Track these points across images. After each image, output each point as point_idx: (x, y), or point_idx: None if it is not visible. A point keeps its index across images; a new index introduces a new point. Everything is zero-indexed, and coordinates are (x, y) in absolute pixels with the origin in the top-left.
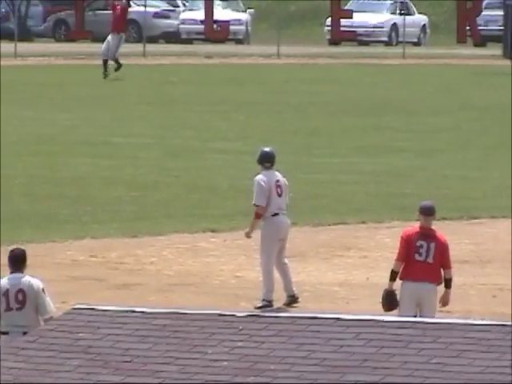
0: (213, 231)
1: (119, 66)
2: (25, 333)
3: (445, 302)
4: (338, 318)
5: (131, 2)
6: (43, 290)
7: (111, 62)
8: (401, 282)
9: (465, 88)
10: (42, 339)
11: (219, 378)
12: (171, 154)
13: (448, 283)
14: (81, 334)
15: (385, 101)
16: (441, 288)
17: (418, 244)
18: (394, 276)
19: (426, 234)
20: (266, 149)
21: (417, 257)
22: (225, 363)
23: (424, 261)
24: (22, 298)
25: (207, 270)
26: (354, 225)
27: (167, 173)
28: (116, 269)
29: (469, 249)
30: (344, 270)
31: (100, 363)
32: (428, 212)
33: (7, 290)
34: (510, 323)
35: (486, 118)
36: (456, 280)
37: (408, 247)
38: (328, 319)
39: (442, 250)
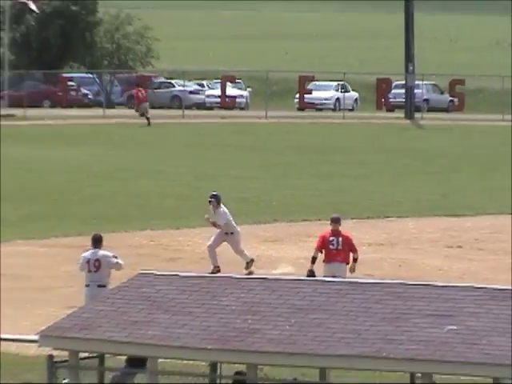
0: None
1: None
2: (99, 286)
3: (351, 269)
4: (299, 279)
5: (174, 82)
6: (114, 256)
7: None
8: (323, 263)
9: (381, 137)
10: (120, 292)
11: (230, 316)
12: (200, 177)
13: (355, 260)
14: (144, 289)
15: (332, 145)
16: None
17: (330, 239)
18: (313, 260)
19: (336, 233)
20: (215, 192)
21: (331, 247)
22: (233, 307)
23: (335, 249)
24: (98, 264)
25: (220, 250)
26: (311, 221)
27: (197, 190)
28: (166, 249)
29: (383, 236)
30: (298, 251)
31: (155, 307)
32: (335, 221)
33: (89, 260)
34: (399, 281)
35: (394, 156)
36: (375, 256)
37: (324, 242)
38: (289, 280)
39: (347, 241)
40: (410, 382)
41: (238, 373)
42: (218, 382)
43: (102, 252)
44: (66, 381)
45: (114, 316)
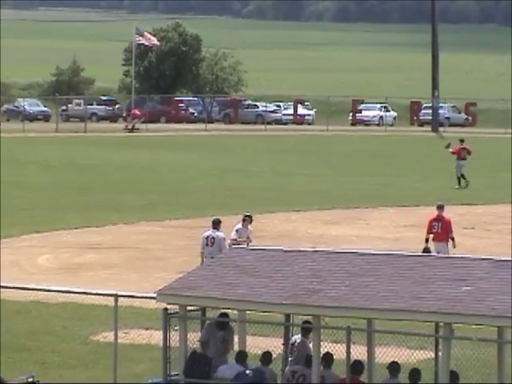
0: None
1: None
2: (212, 257)
3: (453, 245)
4: (350, 252)
5: (258, 104)
6: (224, 238)
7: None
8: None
9: (413, 146)
10: (217, 262)
11: (299, 279)
12: (278, 174)
13: (452, 239)
14: (235, 259)
15: (376, 151)
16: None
17: (433, 224)
18: (426, 240)
19: (439, 218)
20: (248, 213)
21: (433, 230)
22: (302, 273)
23: (437, 231)
24: (213, 241)
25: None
26: (361, 208)
27: (275, 184)
28: (253, 229)
29: (415, 220)
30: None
31: (244, 272)
32: (440, 207)
33: (207, 236)
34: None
35: (423, 160)
36: (410, 234)
37: (429, 226)
38: (343, 253)
39: (446, 225)
40: (435, 330)
41: (305, 322)
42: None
43: (217, 233)
44: (177, 328)
45: (213, 279)
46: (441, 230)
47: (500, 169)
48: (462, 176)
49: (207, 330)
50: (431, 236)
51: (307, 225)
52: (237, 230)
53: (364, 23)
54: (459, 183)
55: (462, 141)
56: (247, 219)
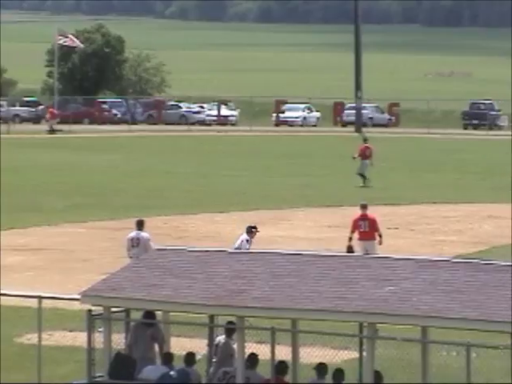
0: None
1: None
2: (137, 257)
3: (379, 242)
4: (274, 253)
5: (181, 105)
6: (149, 239)
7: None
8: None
9: (336, 146)
10: (141, 263)
11: (223, 280)
12: (201, 175)
13: (380, 236)
14: (159, 260)
15: (300, 152)
16: None
17: (359, 223)
18: (349, 239)
19: (364, 217)
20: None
21: (361, 229)
22: (226, 273)
23: (364, 230)
24: (138, 242)
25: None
26: (284, 209)
27: (198, 185)
28: (176, 230)
29: (339, 220)
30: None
31: (167, 273)
32: (363, 207)
33: (132, 238)
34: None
35: (346, 160)
36: (333, 235)
37: (355, 225)
38: (267, 253)
39: (373, 223)
40: (359, 330)
41: (229, 322)
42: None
43: (142, 233)
44: (101, 329)
45: (137, 280)
46: (368, 228)
47: (423, 169)
48: (362, 175)
49: (134, 330)
50: (356, 235)
51: (231, 225)
52: (247, 240)
53: (287, 24)
54: (364, 182)
55: (365, 140)
56: (254, 230)
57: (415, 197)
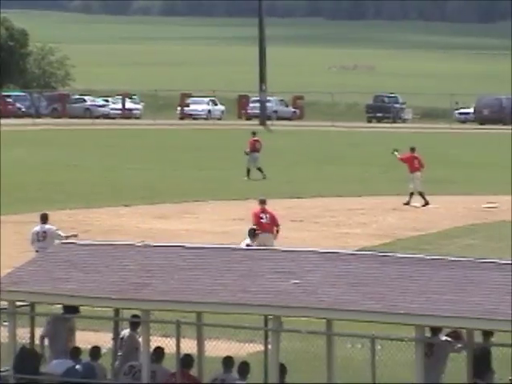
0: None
1: None
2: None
3: (275, 236)
4: (178, 246)
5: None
6: (57, 229)
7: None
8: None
9: (241, 139)
10: (46, 257)
11: (128, 273)
12: (107, 169)
13: (277, 231)
14: (64, 254)
15: (204, 145)
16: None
17: (261, 216)
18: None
19: (264, 211)
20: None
21: (262, 221)
22: (131, 267)
23: (266, 222)
24: (45, 235)
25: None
26: (190, 202)
27: (104, 178)
28: (80, 223)
29: (244, 213)
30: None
31: (73, 267)
32: (263, 202)
33: (38, 232)
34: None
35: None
36: (238, 228)
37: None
38: (171, 247)
39: (273, 217)
40: (264, 323)
41: (134, 316)
42: (119, 323)
43: (48, 226)
44: (6, 323)
45: (42, 274)
46: (269, 221)
47: (327, 161)
48: (259, 169)
49: (52, 324)
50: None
51: (136, 219)
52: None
53: (191, 17)
54: (248, 175)
55: (254, 133)
56: (257, 234)
57: (320, 189)
